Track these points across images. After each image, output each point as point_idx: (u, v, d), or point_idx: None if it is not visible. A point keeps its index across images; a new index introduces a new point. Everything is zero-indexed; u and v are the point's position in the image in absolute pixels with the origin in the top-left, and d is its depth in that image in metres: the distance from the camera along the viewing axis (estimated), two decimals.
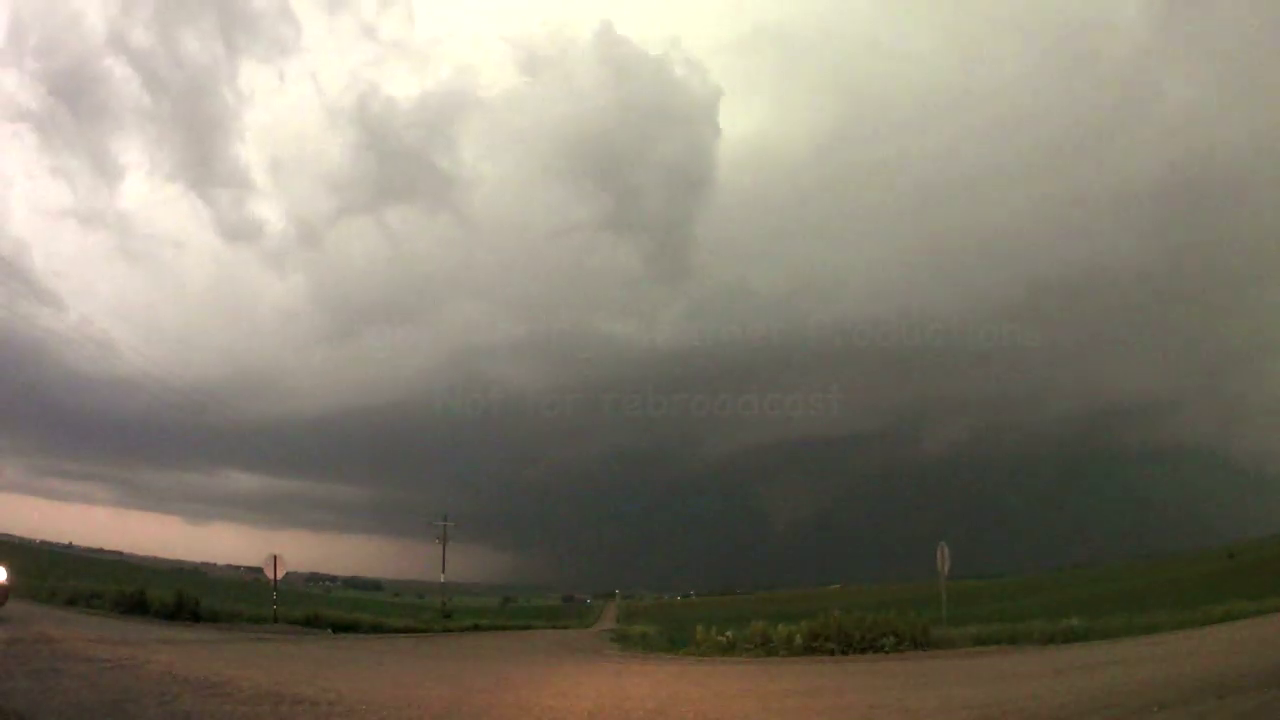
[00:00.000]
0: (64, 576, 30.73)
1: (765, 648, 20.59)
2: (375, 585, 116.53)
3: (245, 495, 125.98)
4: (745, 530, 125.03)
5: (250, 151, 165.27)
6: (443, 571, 55.53)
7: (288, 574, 30.25)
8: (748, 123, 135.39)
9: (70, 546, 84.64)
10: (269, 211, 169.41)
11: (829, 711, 10.39)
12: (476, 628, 45.03)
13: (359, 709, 9.06)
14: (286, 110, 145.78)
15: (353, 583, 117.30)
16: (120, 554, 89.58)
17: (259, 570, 33.89)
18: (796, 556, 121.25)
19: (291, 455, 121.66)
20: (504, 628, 49.17)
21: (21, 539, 71.93)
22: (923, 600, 30.24)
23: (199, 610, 25.48)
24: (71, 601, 24.51)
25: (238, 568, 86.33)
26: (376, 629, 32.52)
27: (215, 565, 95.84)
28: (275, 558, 28.38)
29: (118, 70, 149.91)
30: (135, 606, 24.16)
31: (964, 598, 44.11)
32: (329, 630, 28.78)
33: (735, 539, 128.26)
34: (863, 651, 19.05)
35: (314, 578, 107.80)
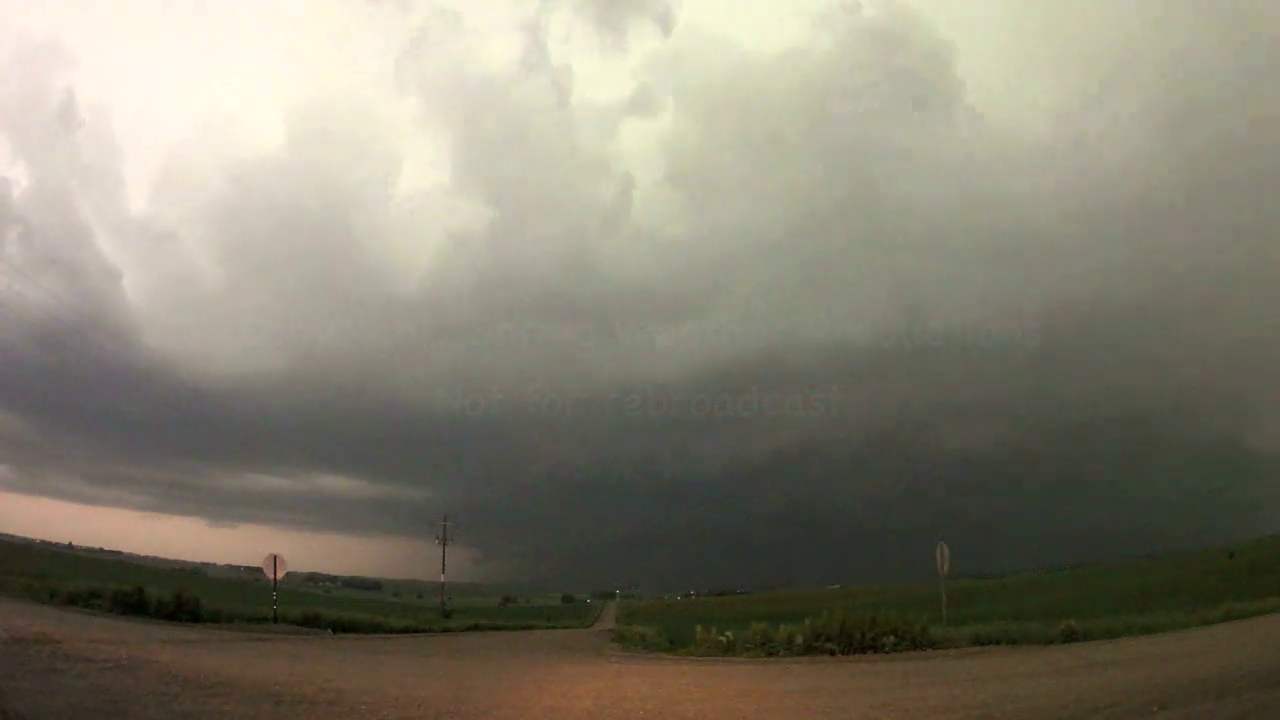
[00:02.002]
0: (64, 576, 30.74)
1: (766, 648, 20.59)
2: (374, 585, 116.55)
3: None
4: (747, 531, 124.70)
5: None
6: (443, 571, 55.58)
7: (287, 574, 30.23)
8: None
9: (70, 546, 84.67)
10: None
11: (829, 711, 10.39)
12: (476, 628, 45.00)
13: (359, 709, 9.06)
14: None
15: (352, 583, 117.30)
16: (120, 553, 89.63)
17: (259, 570, 33.87)
18: (796, 557, 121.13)
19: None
20: (504, 628, 49.14)
21: (22, 539, 71.96)
22: (923, 600, 30.25)
23: (199, 610, 25.47)
24: (71, 601, 24.49)
25: (238, 568, 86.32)
26: (376, 629, 32.49)
27: (215, 565, 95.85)
28: (275, 558, 28.36)
29: None
30: (135, 606, 24.16)
31: (964, 598, 44.12)
32: (329, 630, 28.75)
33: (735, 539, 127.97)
34: (863, 651, 19.04)
35: (314, 578, 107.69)
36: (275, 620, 27.67)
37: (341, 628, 30.13)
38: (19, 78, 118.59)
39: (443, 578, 56.25)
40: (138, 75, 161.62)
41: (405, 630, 35.25)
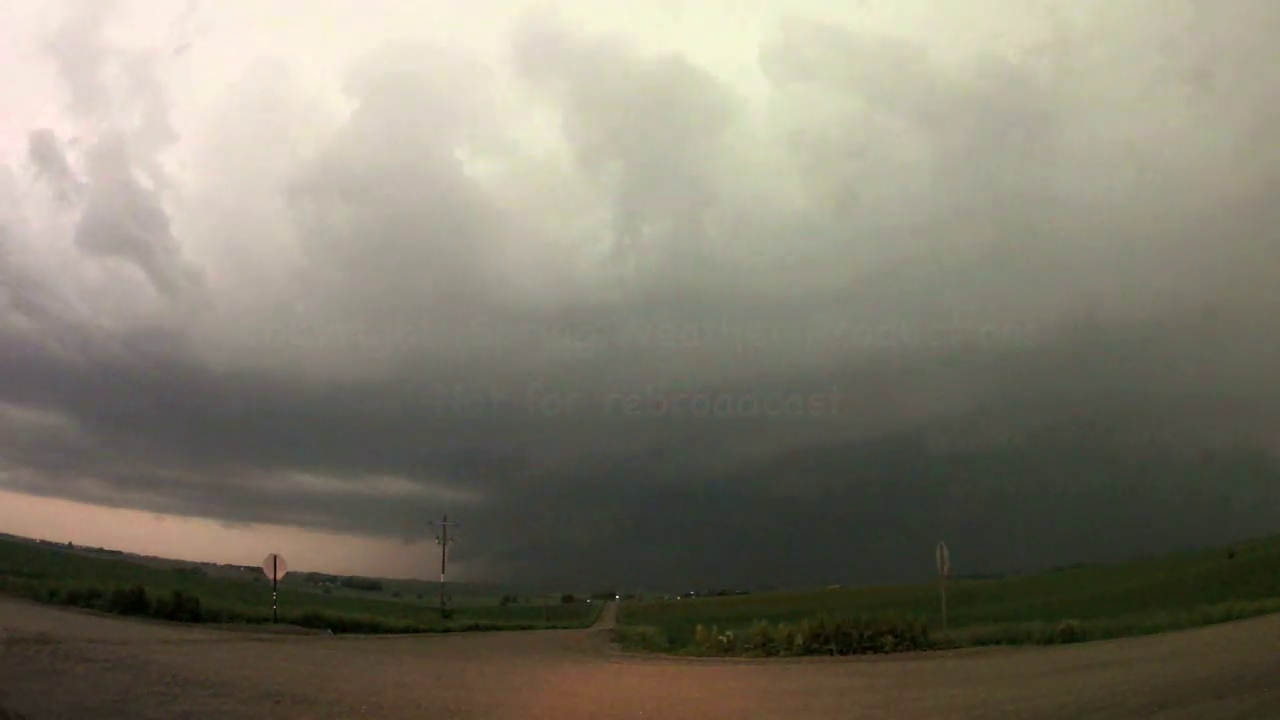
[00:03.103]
0: (63, 576, 30.74)
1: (765, 648, 20.60)
2: (374, 585, 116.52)
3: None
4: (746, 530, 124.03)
5: None
6: (443, 571, 55.51)
7: (288, 574, 30.21)
8: None
9: (70, 546, 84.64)
10: None
11: (829, 711, 10.39)
12: (476, 628, 44.99)
13: (359, 709, 9.07)
14: None
15: (352, 583, 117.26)
16: (119, 553, 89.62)
17: (259, 570, 33.84)
18: (796, 556, 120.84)
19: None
20: (504, 628, 49.13)
21: (22, 538, 71.93)
22: (923, 600, 30.25)
23: (199, 610, 25.45)
24: (71, 601, 24.49)
25: (237, 567, 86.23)
26: (376, 629, 32.45)
27: (214, 565, 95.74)
28: (275, 558, 28.32)
29: None
30: (134, 606, 24.14)
31: (964, 598, 44.12)
32: (329, 630, 28.72)
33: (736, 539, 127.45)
34: (863, 651, 19.05)
35: (314, 578, 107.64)
36: (275, 620, 27.64)
37: (342, 628, 30.11)
38: (70, 32, 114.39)
39: (443, 578, 56.18)
40: (190, 30, 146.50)
41: (406, 630, 35.23)
